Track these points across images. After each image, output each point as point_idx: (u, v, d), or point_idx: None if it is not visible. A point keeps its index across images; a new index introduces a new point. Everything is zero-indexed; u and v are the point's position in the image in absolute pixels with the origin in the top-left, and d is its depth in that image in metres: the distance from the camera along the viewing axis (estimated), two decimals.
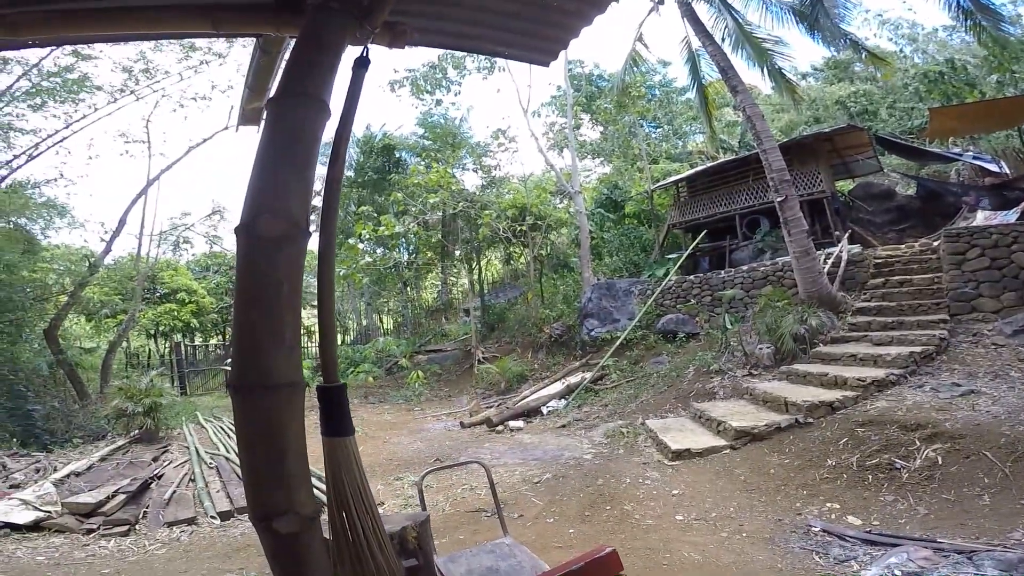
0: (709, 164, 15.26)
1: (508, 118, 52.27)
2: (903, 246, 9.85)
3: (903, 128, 16.55)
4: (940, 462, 4.47)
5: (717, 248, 13.65)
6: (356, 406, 13.00)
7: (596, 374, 11.20)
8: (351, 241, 13.68)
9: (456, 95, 19.87)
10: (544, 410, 10.11)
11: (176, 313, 17.63)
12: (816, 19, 9.73)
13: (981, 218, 9.57)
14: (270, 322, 1.53)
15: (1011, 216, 8.80)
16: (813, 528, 4.08)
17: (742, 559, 3.79)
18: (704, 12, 10.34)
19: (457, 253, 20.09)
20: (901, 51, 21.15)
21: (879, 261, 9.38)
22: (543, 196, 17.46)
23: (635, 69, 12.69)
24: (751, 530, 4.25)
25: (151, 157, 16.08)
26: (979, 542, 3.40)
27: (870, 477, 4.63)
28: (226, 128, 15.81)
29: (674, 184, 15.66)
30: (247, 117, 2.87)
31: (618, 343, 11.48)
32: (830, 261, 9.39)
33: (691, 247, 13.30)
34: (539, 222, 16.66)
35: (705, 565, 3.75)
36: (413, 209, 16.23)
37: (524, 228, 16.23)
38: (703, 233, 13.74)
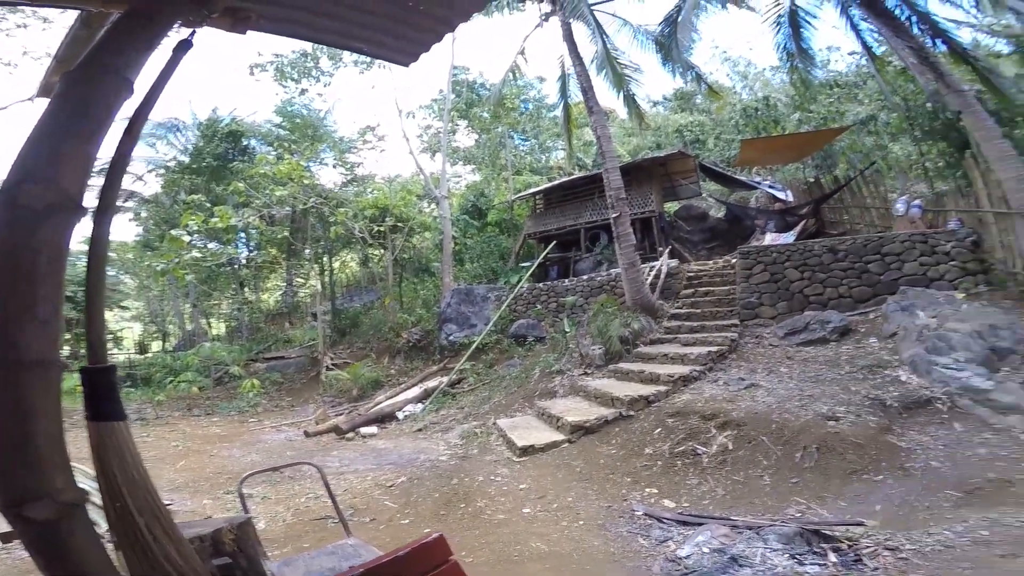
0: (564, 179, 16.45)
1: (381, 116, 50.56)
2: (710, 262, 11.72)
3: (724, 157, 18.70)
4: (730, 447, 5.36)
5: (564, 259, 14.78)
6: (177, 419, 11.50)
7: (454, 378, 11.37)
8: (175, 232, 11.98)
9: (325, 86, 18.66)
10: (400, 415, 9.99)
11: None
12: (671, 50, 11.08)
13: (768, 239, 11.81)
14: (22, 294, 1.43)
15: (789, 238, 11.02)
16: (636, 513, 4.61)
17: (581, 546, 4.14)
18: (582, 32, 10.98)
19: (307, 252, 18.82)
20: (734, 87, 24.15)
21: (691, 274, 11.04)
22: (407, 198, 17.23)
23: (514, 82, 13.17)
24: (586, 518, 4.67)
25: None
26: (764, 518, 4.14)
27: (679, 463, 5.41)
28: (31, 99, 12.72)
29: (532, 196, 16.58)
30: (49, 88, 2.55)
31: (474, 347, 11.81)
32: (652, 273, 10.78)
33: (540, 257, 14.21)
34: (400, 224, 16.38)
35: (550, 555, 4.03)
36: (257, 202, 14.83)
37: (383, 229, 15.81)
38: (552, 244, 14.77)
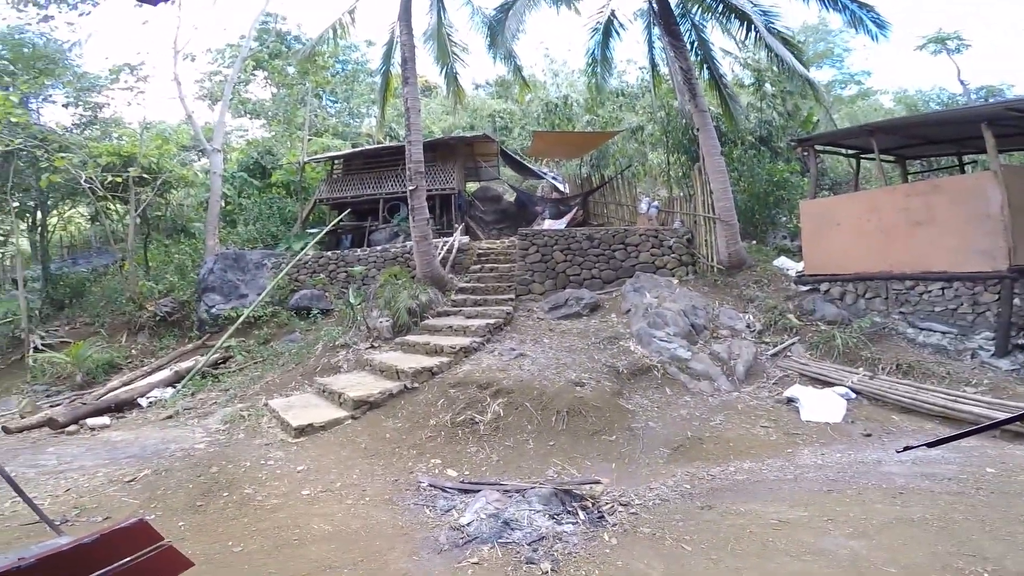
0: (368, 147, 15.59)
1: (155, 57, 39.71)
2: (499, 241, 12.58)
3: (523, 146, 19.83)
4: (502, 414, 5.90)
5: (360, 228, 14.15)
6: None
7: (216, 356, 9.99)
8: None
9: (81, 15, 13.97)
10: (144, 402, 8.39)
11: None
12: (498, 35, 11.12)
13: (547, 224, 13.20)
14: None
15: (561, 225, 12.49)
16: (422, 484, 4.75)
17: (368, 522, 4.09)
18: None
19: (15, 205, 14.17)
20: (546, 83, 25.57)
21: (481, 251, 11.70)
22: (165, 148, 14.12)
23: (333, 40, 11.67)
24: (373, 493, 4.64)
25: None
26: (529, 481, 4.66)
27: (459, 432, 5.75)
28: None
29: (330, 160, 15.39)
30: None
31: (241, 320, 10.54)
32: (445, 248, 11.12)
33: (332, 224, 13.35)
34: (147, 176, 13.39)
35: (336, 534, 3.91)
36: None
37: (120, 180, 12.72)
38: (347, 211, 13.99)
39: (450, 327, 8.40)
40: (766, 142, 13.37)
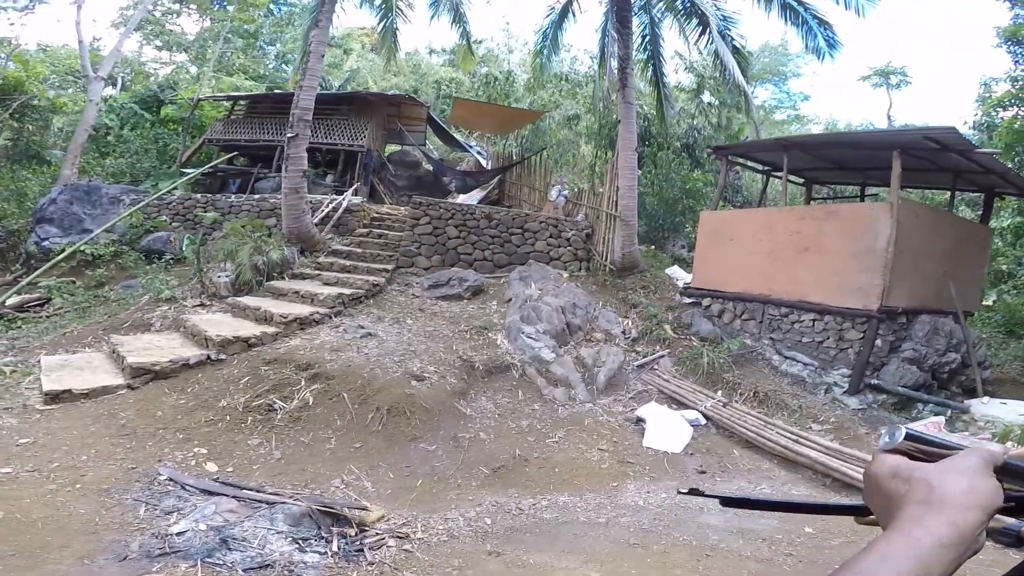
0: (278, 91, 14.06)
1: None
2: (401, 209, 11.49)
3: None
4: (311, 402, 5.03)
5: (247, 173, 12.62)
6: None
7: (30, 297, 8.42)
8: None
9: None
10: None
11: None
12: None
13: (461, 199, 12.27)
14: None
15: (473, 200, 11.60)
16: (160, 477, 3.88)
17: (60, 513, 3.32)
18: None
19: None
20: (498, 57, 24.43)
21: (377, 216, 10.61)
22: (34, 69, 11.96)
23: None
24: (92, 480, 3.78)
25: None
26: (294, 491, 3.84)
27: (250, 419, 4.83)
28: None
29: (231, 100, 13.78)
30: None
31: (62, 256, 8.98)
32: (331, 205, 9.97)
33: (209, 165, 11.77)
34: (5, 98, 11.27)
35: (8, 521, 3.14)
36: None
37: None
38: (233, 154, 12.44)
39: (297, 292, 7.36)
40: (691, 150, 13.10)
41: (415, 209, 9.29)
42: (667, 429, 5.37)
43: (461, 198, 12.54)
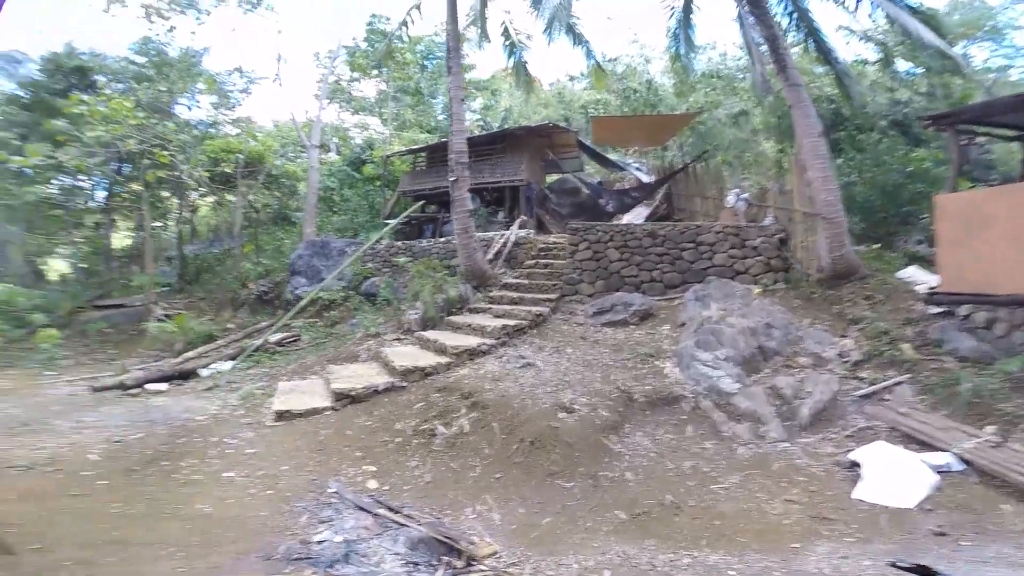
0: (443, 140, 15.78)
1: (266, 62, 46.38)
2: (565, 236, 11.57)
3: None
4: (467, 430, 5.13)
5: (434, 219, 14.23)
6: None
7: (282, 335, 10.66)
8: None
9: (199, 23, 16.94)
10: (204, 372, 9.17)
11: None
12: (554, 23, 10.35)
13: (626, 219, 11.84)
14: None
15: (640, 218, 11.06)
16: (329, 490, 4.33)
17: (246, 513, 3.93)
18: None
19: (167, 196, 17.08)
20: (636, 69, 23.85)
21: (543, 246, 10.83)
22: (268, 143, 15.82)
23: (399, 39, 11.98)
24: (282, 488, 4.39)
25: None
26: (443, 514, 3.92)
27: (415, 442, 5.14)
28: None
29: (412, 153, 15.86)
30: None
31: (304, 303, 11.13)
32: (501, 241, 10.49)
33: (403, 215, 13.57)
34: (250, 168, 15.05)
35: (204, 517, 3.85)
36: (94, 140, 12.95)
37: (227, 171, 14.41)
38: (421, 203, 14.16)
39: (470, 325, 7.78)
40: (902, 127, 10.40)
41: (572, 235, 9.14)
42: (895, 476, 4.00)
43: (625, 218, 12.04)
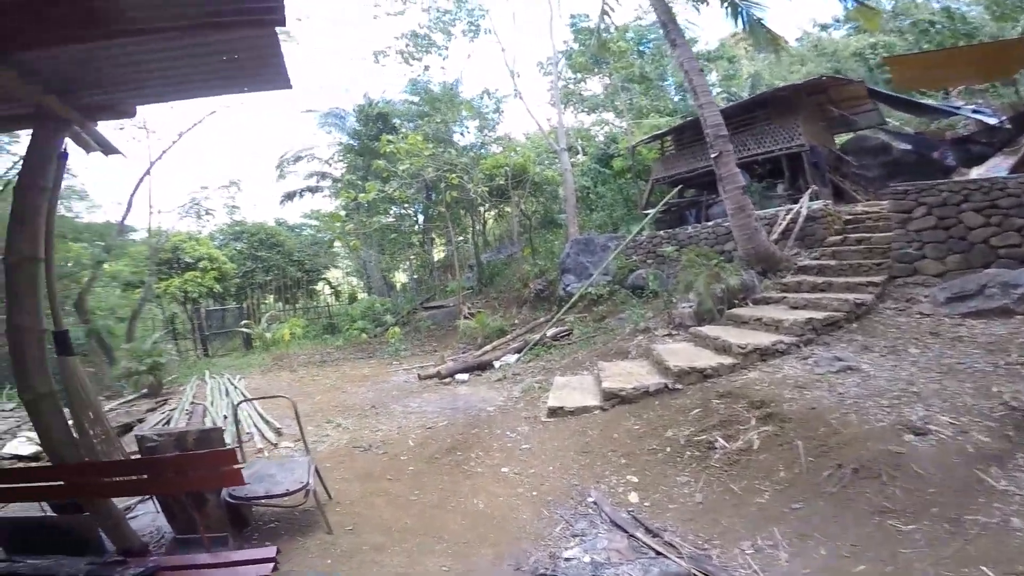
0: (690, 119, 14.40)
1: (491, 79, 50.37)
2: (884, 201, 8.92)
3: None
4: (756, 446, 4.24)
5: (697, 203, 12.94)
6: (339, 362, 13.79)
7: (557, 330, 11.25)
8: (332, 210, 14.32)
9: (444, 59, 19.98)
10: (496, 364, 10.33)
11: (200, 280, 18.27)
12: None
13: (975, 173, 8.43)
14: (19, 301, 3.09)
15: (1000, 170, 7.70)
16: (589, 499, 4.14)
17: (510, 514, 4.03)
18: None
19: (463, 213, 20.34)
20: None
21: (849, 218, 8.61)
22: (526, 154, 17.10)
23: (604, 28, 11.70)
24: (546, 490, 4.41)
25: (149, 140, 17.20)
26: (709, 543, 3.29)
27: (687, 454, 4.52)
28: (213, 112, 15.99)
29: (657, 139, 15.15)
30: None
31: (575, 299, 11.41)
32: (788, 217, 8.71)
33: (661, 203, 12.69)
34: (517, 179, 16.43)
35: (477, 514, 4.06)
36: (404, 173, 16.45)
37: (501, 185, 16.03)
38: (678, 188, 13.05)
39: (758, 319, 6.57)
40: None
41: (899, 200, 6.81)
42: None
43: (975, 172, 8.52)
